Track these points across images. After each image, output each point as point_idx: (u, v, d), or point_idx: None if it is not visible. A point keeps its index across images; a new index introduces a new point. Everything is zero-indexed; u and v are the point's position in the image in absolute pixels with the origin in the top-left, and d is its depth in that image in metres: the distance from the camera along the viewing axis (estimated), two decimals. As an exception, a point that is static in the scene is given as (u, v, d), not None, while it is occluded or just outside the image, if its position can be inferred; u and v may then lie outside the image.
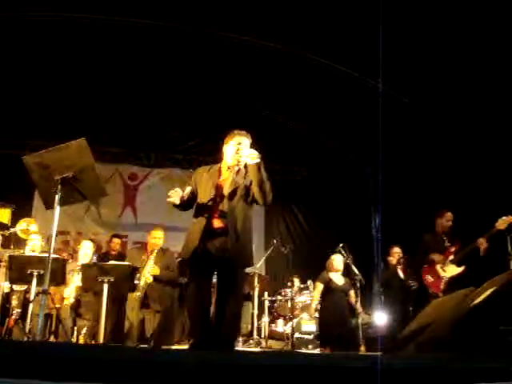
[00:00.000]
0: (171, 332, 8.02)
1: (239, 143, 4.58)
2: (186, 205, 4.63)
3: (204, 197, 4.52)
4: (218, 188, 4.54)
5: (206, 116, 10.58)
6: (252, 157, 4.31)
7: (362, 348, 8.04)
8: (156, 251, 7.32)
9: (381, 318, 8.60)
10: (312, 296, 8.64)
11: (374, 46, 6.27)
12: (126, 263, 6.71)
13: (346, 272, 8.27)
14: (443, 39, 7.68)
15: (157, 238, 7.50)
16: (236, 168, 4.60)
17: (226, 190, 4.52)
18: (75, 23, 8.50)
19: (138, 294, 6.76)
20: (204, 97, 10.51)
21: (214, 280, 4.72)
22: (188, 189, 4.60)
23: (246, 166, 4.53)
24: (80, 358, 2.54)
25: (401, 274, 8.24)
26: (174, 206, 4.60)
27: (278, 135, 10.64)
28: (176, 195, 4.50)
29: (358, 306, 8.22)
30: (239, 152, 4.50)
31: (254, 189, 4.43)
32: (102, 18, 8.48)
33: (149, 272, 7.07)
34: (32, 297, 6.30)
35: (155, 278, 7.12)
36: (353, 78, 9.31)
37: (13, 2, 7.95)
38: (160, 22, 8.52)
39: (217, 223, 4.44)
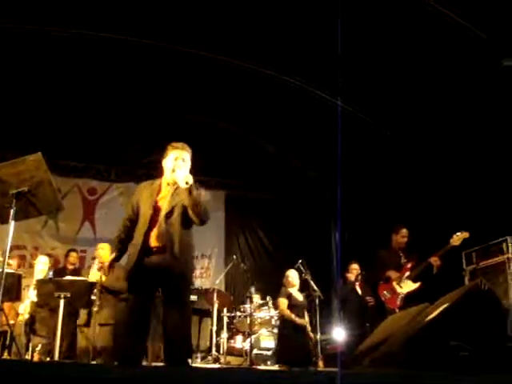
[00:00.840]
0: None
1: (176, 158, 4.49)
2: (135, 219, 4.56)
3: (143, 215, 4.44)
4: (156, 207, 4.43)
5: (168, 131, 10.55)
6: (184, 180, 4.20)
7: (320, 363, 8.07)
8: (99, 262, 7.12)
9: (339, 333, 8.65)
10: (272, 312, 8.66)
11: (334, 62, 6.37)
12: (83, 278, 6.63)
13: (305, 288, 8.29)
14: (403, 54, 7.87)
15: (100, 249, 7.42)
16: (174, 186, 4.48)
17: (164, 209, 4.41)
18: (33, 36, 8.45)
19: (94, 309, 6.65)
20: (166, 112, 10.50)
21: None
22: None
23: None
24: (34, 376, 2.50)
25: (359, 290, 8.30)
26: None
27: (240, 151, 10.70)
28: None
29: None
30: (174, 172, 4.40)
31: (188, 210, 4.34)
32: (57, 31, 8.45)
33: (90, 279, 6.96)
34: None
35: (104, 287, 6.97)
36: (314, 96, 9.43)
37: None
38: (120, 36, 8.54)
39: (154, 242, 4.34)
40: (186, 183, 4.20)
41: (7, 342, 7.10)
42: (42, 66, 9.21)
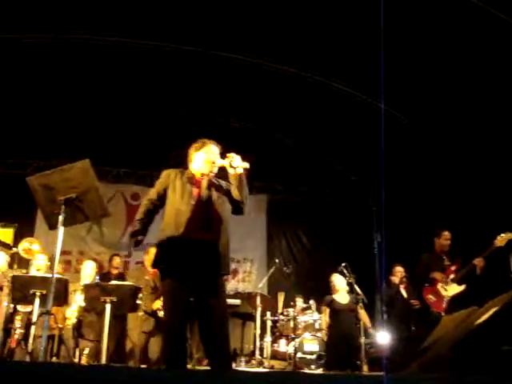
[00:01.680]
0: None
1: (211, 150, 4.60)
2: (160, 206, 4.58)
3: (181, 204, 4.41)
4: (196, 195, 4.45)
5: (208, 136, 10.61)
6: (243, 166, 4.31)
7: (365, 368, 8.01)
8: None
9: (383, 337, 8.57)
10: (315, 316, 8.65)
11: (376, 66, 6.30)
12: (128, 283, 6.70)
13: (350, 291, 8.25)
14: (444, 60, 7.75)
15: (152, 253, 7.45)
16: (208, 177, 4.55)
17: (204, 198, 4.44)
18: (74, 44, 8.61)
19: (140, 313, 6.73)
20: (207, 117, 10.56)
21: None
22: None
23: (218, 175, 4.54)
24: (83, 379, 2.53)
25: (403, 293, 8.22)
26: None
27: (281, 155, 10.69)
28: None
29: (368, 322, 8.18)
30: (213, 161, 4.50)
31: (233, 193, 4.42)
32: (99, 39, 8.59)
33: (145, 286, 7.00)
34: (34, 317, 6.30)
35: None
36: (356, 99, 9.37)
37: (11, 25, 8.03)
38: (157, 43, 8.62)
39: (193, 232, 4.31)
40: (241, 167, 4.30)
41: (59, 346, 7.27)
42: (90, 75, 9.36)
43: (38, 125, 10.19)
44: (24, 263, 8.90)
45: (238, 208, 4.51)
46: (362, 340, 8.03)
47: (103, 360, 6.27)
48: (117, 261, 9.05)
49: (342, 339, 7.93)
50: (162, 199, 4.56)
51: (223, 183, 4.59)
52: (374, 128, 9.22)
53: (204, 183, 4.53)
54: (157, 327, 7.12)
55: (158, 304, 7.00)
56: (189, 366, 7.34)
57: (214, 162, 4.51)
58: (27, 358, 6.26)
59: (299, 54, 8.62)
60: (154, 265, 4.48)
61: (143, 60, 9.04)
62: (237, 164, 4.33)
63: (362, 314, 8.14)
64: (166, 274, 4.36)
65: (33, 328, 6.34)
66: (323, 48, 8.29)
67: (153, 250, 7.45)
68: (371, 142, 9.67)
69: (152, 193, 4.65)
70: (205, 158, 4.57)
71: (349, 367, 7.55)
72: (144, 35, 8.52)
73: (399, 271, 8.45)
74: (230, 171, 4.39)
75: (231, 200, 4.49)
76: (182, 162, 10.82)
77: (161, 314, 6.96)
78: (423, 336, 7.08)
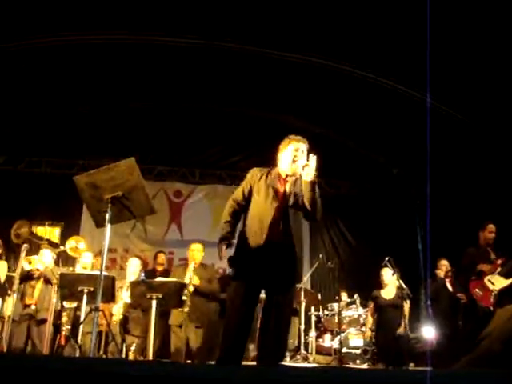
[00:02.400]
0: (216, 348, 8.06)
1: (296, 149, 4.41)
2: (246, 206, 4.50)
3: (264, 205, 4.35)
4: (280, 199, 4.36)
5: (249, 131, 10.65)
6: (308, 174, 4.14)
7: (411, 363, 7.94)
8: (195, 264, 7.23)
9: (429, 332, 8.48)
10: (359, 311, 8.62)
11: (422, 59, 6.21)
12: (173, 279, 6.75)
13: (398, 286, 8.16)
14: (493, 52, 7.59)
15: (195, 250, 7.48)
16: (293, 178, 4.42)
17: (285, 201, 4.34)
18: (111, 45, 8.70)
19: (185, 309, 6.78)
20: (246, 112, 10.58)
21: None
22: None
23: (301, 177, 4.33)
24: (137, 376, 2.56)
25: (449, 287, 8.11)
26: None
27: (322, 149, 10.61)
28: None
29: (405, 321, 8.07)
30: (296, 162, 4.33)
31: (306, 204, 4.24)
32: (142, 39, 8.66)
33: (189, 282, 7.05)
34: (82, 314, 6.42)
35: (196, 289, 7.11)
36: (396, 91, 9.26)
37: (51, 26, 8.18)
38: (201, 41, 8.64)
39: (276, 235, 4.25)
40: (313, 176, 4.15)
41: (108, 341, 7.40)
42: (129, 74, 9.47)
43: (82, 125, 10.37)
44: (70, 261, 9.10)
45: (307, 215, 4.38)
46: (407, 335, 7.98)
47: (150, 355, 6.36)
48: (161, 257, 9.18)
49: (386, 334, 7.86)
50: (247, 199, 4.49)
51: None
52: (415, 121, 9.20)
53: (288, 186, 4.43)
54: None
55: None
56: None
57: (294, 160, 4.37)
58: (77, 354, 6.39)
59: (343, 48, 8.53)
60: (231, 263, 4.44)
61: (181, 57, 9.06)
62: (307, 171, 4.18)
63: (406, 311, 8.05)
64: (240, 274, 4.35)
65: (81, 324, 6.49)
66: (368, 41, 8.18)
67: (193, 246, 7.55)
68: (413, 135, 9.63)
69: (237, 193, 4.59)
70: (288, 158, 4.43)
71: (395, 362, 7.47)
72: (179, 32, 8.54)
73: (444, 265, 8.33)
74: (304, 177, 4.23)
75: (303, 206, 4.33)
76: (222, 159, 11.02)
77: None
78: (470, 330, 7.03)
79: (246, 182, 4.57)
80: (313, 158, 4.20)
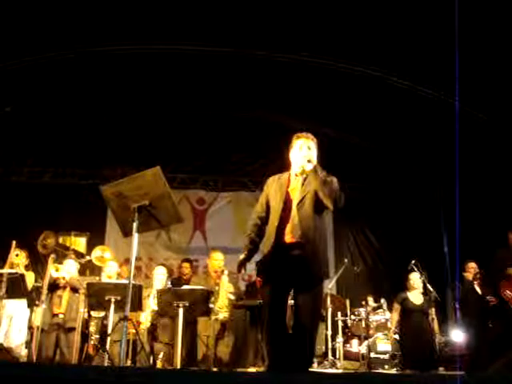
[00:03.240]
0: (245, 355, 8.05)
1: (301, 146, 4.42)
2: (267, 218, 4.52)
3: (274, 208, 4.40)
4: (287, 198, 4.39)
5: (271, 137, 10.62)
6: (306, 159, 4.26)
7: (441, 367, 7.85)
8: (226, 273, 7.26)
9: (458, 335, 8.38)
10: (387, 315, 8.54)
11: (449, 60, 6.16)
12: (201, 287, 6.76)
13: (423, 292, 8.07)
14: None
15: (218, 260, 7.54)
16: (303, 176, 4.43)
17: (296, 200, 4.36)
18: (139, 54, 8.75)
19: (213, 317, 6.78)
20: (268, 118, 10.56)
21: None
22: None
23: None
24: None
25: (478, 290, 8.01)
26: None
27: (345, 152, 10.58)
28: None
29: (436, 326, 7.98)
30: (301, 158, 4.37)
31: (319, 193, 4.25)
32: (162, 48, 8.70)
33: (227, 291, 7.05)
34: (110, 323, 6.45)
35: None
36: (418, 93, 9.20)
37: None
38: (224, 49, 8.66)
39: (288, 236, 4.28)
40: (309, 161, 4.23)
41: (136, 349, 7.42)
42: (149, 84, 9.52)
43: (104, 134, 10.43)
44: (95, 271, 9.15)
45: (326, 204, 4.29)
46: (437, 339, 7.90)
47: (178, 364, 6.36)
48: (186, 266, 9.11)
49: (413, 339, 7.77)
50: (266, 211, 4.54)
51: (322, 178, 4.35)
52: (439, 122, 9.13)
53: (298, 184, 4.44)
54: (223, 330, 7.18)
55: None
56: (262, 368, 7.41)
57: (303, 164, 4.37)
58: (105, 363, 6.41)
59: (363, 50, 8.50)
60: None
61: (202, 65, 9.10)
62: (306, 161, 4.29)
63: (434, 316, 7.97)
64: (266, 280, 4.39)
65: (109, 332, 6.52)
66: (391, 43, 8.13)
67: (214, 255, 7.56)
68: (436, 137, 9.56)
69: (257, 206, 4.66)
70: (296, 155, 4.46)
71: (424, 367, 7.38)
72: (200, 40, 8.58)
73: (472, 267, 8.22)
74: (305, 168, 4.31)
75: (319, 200, 4.32)
76: (244, 165, 11.01)
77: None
78: (501, 333, 6.93)
79: (263, 193, 4.66)
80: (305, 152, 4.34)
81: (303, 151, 4.39)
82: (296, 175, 4.48)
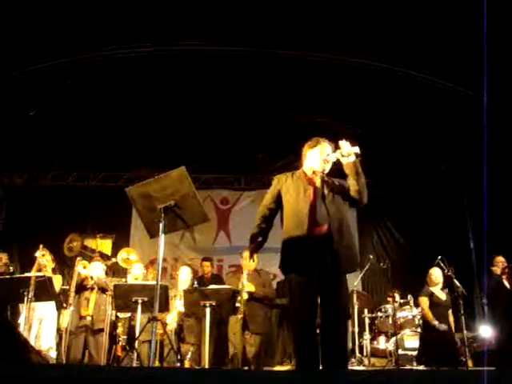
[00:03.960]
0: (273, 353, 8.05)
1: (324, 148, 4.52)
2: (276, 210, 4.60)
3: (298, 202, 4.41)
4: (312, 189, 4.43)
5: (293, 136, 10.60)
6: (349, 154, 4.27)
7: (470, 363, 7.77)
8: (248, 271, 7.23)
9: (486, 330, 8.30)
10: (414, 311, 8.48)
11: (474, 56, 6.09)
12: (226, 286, 6.77)
13: (448, 285, 8.00)
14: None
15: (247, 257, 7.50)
16: (321, 174, 4.50)
17: (319, 195, 4.40)
18: (159, 56, 8.78)
19: (239, 316, 6.80)
20: (290, 117, 10.56)
21: None
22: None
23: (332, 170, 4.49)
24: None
25: (506, 284, 7.92)
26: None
27: (367, 149, 10.50)
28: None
29: (453, 324, 7.88)
30: (327, 158, 4.44)
31: (350, 183, 4.32)
32: (180, 49, 8.72)
33: (243, 290, 7.05)
34: (137, 324, 6.48)
35: (251, 295, 7.09)
36: (438, 87, 9.12)
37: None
38: (245, 48, 8.65)
39: (318, 229, 4.30)
40: (353, 154, 4.26)
41: (163, 350, 7.47)
42: (168, 85, 9.55)
43: (127, 137, 10.52)
44: (121, 272, 9.22)
45: (355, 200, 4.39)
46: (464, 334, 7.81)
47: (206, 363, 6.38)
48: (206, 264, 9.04)
49: (439, 334, 7.69)
50: (276, 203, 4.59)
51: (336, 180, 4.52)
52: (461, 117, 9.04)
53: (317, 180, 4.48)
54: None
55: None
56: (289, 367, 7.41)
57: (326, 160, 4.46)
58: (134, 364, 6.45)
59: (387, 46, 8.44)
60: (280, 266, 4.49)
61: (224, 65, 9.12)
62: (347, 151, 4.28)
63: (451, 314, 7.89)
64: (291, 274, 4.39)
65: (137, 334, 6.54)
66: (414, 38, 8.05)
67: (246, 254, 7.53)
68: (460, 131, 9.47)
69: (266, 198, 4.69)
70: (317, 156, 4.51)
71: (450, 363, 7.31)
72: (222, 40, 8.58)
73: (500, 261, 8.11)
74: (343, 161, 4.33)
75: (348, 194, 4.39)
76: (267, 164, 11.00)
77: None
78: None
79: (272, 187, 4.68)
80: (342, 142, 4.34)
81: (325, 152, 4.49)
82: (314, 172, 4.52)
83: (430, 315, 7.68)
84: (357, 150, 4.27)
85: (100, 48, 8.39)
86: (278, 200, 4.57)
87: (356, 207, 4.52)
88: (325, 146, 4.54)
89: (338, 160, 4.39)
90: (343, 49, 8.59)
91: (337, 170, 4.53)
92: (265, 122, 10.58)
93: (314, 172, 4.53)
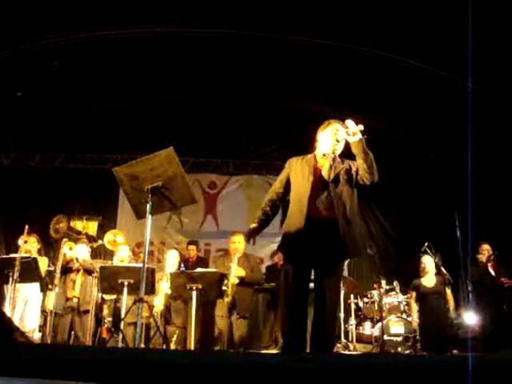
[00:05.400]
0: (259, 337, 8.08)
1: (337, 129, 4.45)
2: (284, 195, 4.58)
3: (301, 185, 4.40)
4: (316, 173, 4.40)
5: (282, 120, 10.59)
6: (355, 134, 4.22)
7: (454, 350, 7.83)
8: (238, 255, 7.27)
9: (471, 317, 8.35)
10: (399, 297, 8.54)
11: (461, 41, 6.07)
12: (213, 270, 6.78)
13: (436, 272, 8.04)
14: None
15: (237, 242, 7.47)
16: (332, 155, 4.46)
17: (327, 176, 4.35)
18: (143, 39, 8.69)
19: (226, 300, 6.80)
20: (279, 101, 10.51)
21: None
22: None
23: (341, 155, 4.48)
24: (185, 365, 2.53)
25: (491, 272, 7.97)
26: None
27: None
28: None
29: (452, 306, 7.93)
30: (337, 139, 4.41)
31: (359, 163, 4.27)
32: (173, 31, 8.64)
33: (234, 274, 7.06)
34: (123, 306, 6.47)
35: (241, 279, 7.09)
36: (430, 74, 9.09)
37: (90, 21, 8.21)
38: (233, 31, 8.58)
39: (320, 210, 4.28)
40: (354, 134, 4.23)
41: (149, 332, 7.47)
42: (156, 66, 9.48)
43: (114, 119, 10.45)
44: (107, 255, 9.19)
45: (366, 179, 4.32)
46: (454, 319, 7.88)
47: (192, 346, 6.38)
48: (191, 248, 9.01)
49: (432, 321, 7.75)
50: (285, 188, 4.58)
51: (347, 162, 4.47)
52: (451, 104, 9.03)
53: (326, 162, 4.44)
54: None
55: None
56: (275, 351, 7.43)
57: (337, 140, 4.43)
58: (119, 345, 6.44)
59: (377, 33, 8.40)
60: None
61: (213, 48, 9.04)
62: (352, 130, 4.25)
63: (449, 296, 7.94)
64: (287, 256, 4.43)
65: (122, 316, 6.54)
66: (403, 26, 8.02)
67: (235, 238, 7.53)
68: (448, 119, 9.47)
69: (275, 183, 4.71)
70: (328, 138, 4.49)
71: (439, 349, 7.36)
72: (212, 23, 8.50)
73: (486, 249, 8.17)
74: (350, 140, 4.29)
75: (357, 173, 4.35)
76: (256, 149, 10.97)
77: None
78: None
79: (283, 171, 4.67)
80: (348, 121, 4.30)
81: (339, 133, 4.44)
82: (324, 155, 4.49)
83: (411, 310, 7.85)
84: (361, 127, 4.24)
85: (88, 28, 8.28)
86: (287, 184, 4.56)
87: (366, 184, 4.39)
88: (336, 127, 4.49)
89: (346, 140, 4.38)
90: (325, 32, 8.52)
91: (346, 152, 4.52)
92: (254, 106, 10.52)
93: (324, 155, 4.50)
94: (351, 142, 4.28)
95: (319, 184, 4.35)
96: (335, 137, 4.43)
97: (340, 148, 4.46)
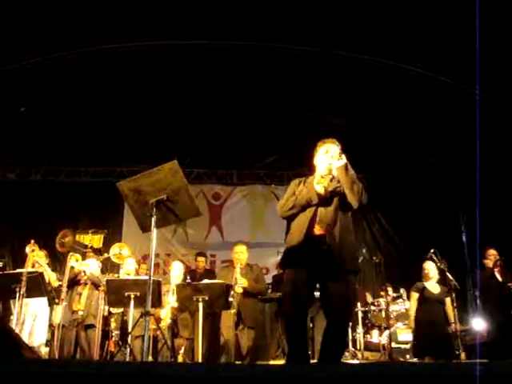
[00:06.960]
0: (266, 348, 8.04)
1: (326, 151, 4.59)
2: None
3: (303, 204, 4.49)
4: (315, 195, 4.49)
5: (285, 131, 10.61)
6: (337, 161, 4.39)
7: (463, 355, 7.78)
8: (241, 266, 7.23)
9: (478, 323, 8.31)
10: (406, 305, 8.49)
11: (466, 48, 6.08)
12: (219, 281, 6.76)
13: (442, 278, 7.99)
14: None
15: (239, 252, 7.46)
16: (330, 176, 4.56)
17: (323, 195, 4.47)
18: (145, 51, 8.74)
19: (232, 311, 6.79)
20: (282, 111, 10.54)
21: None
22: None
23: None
24: (193, 378, 2.53)
25: (498, 277, 7.93)
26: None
27: (361, 144, 10.51)
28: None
29: (452, 316, 7.87)
30: (328, 160, 4.53)
31: (345, 190, 4.38)
32: (175, 44, 8.69)
33: (237, 285, 7.05)
34: (130, 319, 6.47)
35: (244, 290, 7.07)
36: (430, 80, 9.10)
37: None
38: (238, 42, 8.62)
39: (317, 230, 4.38)
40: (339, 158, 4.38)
41: (156, 345, 7.46)
42: (162, 79, 9.53)
43: (118, 132, 10.50)
44: (114, 268, 9.19)
45: (352, 202, 4.40)
46: (458, 327, 7.82)
47: (199, 358, 6.37)
48: (200, 260, 9.06)
49: (430, 327, 7.70)
50: (291, 207, 4.61)
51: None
52: (452, 110, 9.03)
53: (324, 184, 4.53)
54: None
55: None
56: (283, 362, 7.40)
57: (330, 164, 4.53)
58: (127, 359, 6.43)
59: (375, 41, 8.42)
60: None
61: (217, 60, 9.10)
62: (335, 159, 4.44)
63: (449, 306, 7.88)
64: (286, 270, 4.49)
65: (130, 329, 6.53)
66: (411, 33, 8.04)
67: (237, 249, 7.52)
68: (450, 125, 9.46)
69: (287, 200, 4.72)
70: (322, 158, 4.62)
71: (443, 356, 7.31)
72: (216, 35, 8.53)
73: (493, 254, 8.12)
74: (335, 165, 4.44)
75: (346, 198, 4.42)
76: (259, 159, 10.98)
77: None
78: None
79: (289, 189, 4.75)
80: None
81: (330, 153, 4.57)
82: (322, 177, 4.58)
83: (411, 311, 7.77)
84: (341, 163, 4.39)
85: (92, 42, 8.33)
86: (292, 204, 4.62)
87: (354, 208, 4.48)
88: (328, 148, 4.62)
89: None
90: (329, 42, 8.57)
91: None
92: (258, 117, 10.55)
93: (322, 177, 4.59)
94: (336, 166, 4.41)
95: (318, 203, 4.46)
96: (327, 155, 4.57)
97: (340, 162, 4.46)
